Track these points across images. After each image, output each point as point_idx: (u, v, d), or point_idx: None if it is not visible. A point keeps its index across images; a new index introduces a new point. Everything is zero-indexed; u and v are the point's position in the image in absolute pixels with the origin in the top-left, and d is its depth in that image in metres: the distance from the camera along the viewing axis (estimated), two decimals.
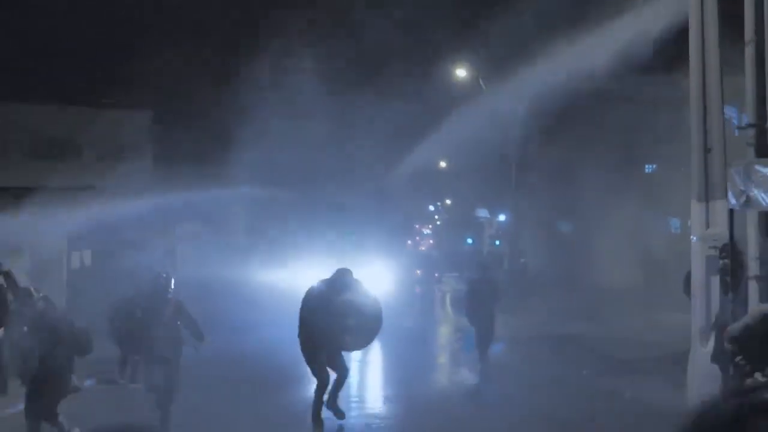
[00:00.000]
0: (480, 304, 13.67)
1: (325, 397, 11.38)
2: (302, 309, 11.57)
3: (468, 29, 27.37)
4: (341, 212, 28.82)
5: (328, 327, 11.23)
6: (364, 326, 11.43)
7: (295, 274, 23.81)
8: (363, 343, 12.04)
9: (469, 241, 49.41)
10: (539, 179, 29.95)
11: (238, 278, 24.31)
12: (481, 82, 27.80)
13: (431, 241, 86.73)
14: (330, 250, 25.06)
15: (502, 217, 44.88)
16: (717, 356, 9.23)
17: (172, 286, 10.78)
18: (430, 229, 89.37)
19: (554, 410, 10.91)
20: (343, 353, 11.78)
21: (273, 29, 33.44)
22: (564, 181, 27.73)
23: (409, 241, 68.28)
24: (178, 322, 10.66)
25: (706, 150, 9.04)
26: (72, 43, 27.73)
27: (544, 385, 12.70)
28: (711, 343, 9.45)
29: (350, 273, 11.84)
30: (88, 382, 12.20)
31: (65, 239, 21.55)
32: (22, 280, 12.67)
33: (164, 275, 11.02)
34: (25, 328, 9.56)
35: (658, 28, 13.05)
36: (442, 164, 46.19)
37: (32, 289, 10.23)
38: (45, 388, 9.19)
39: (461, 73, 28.56)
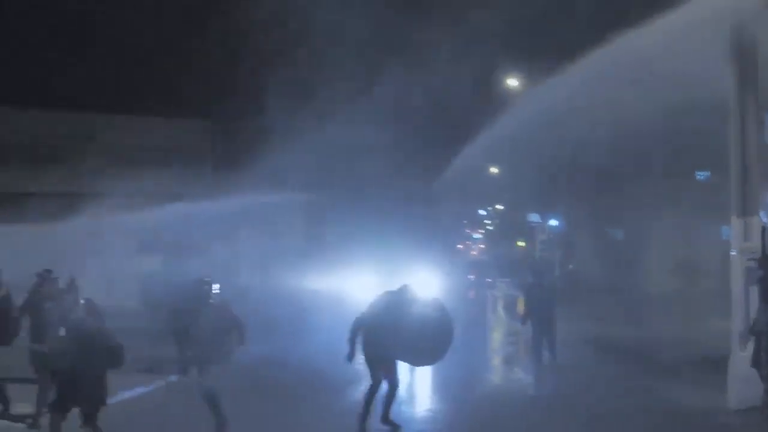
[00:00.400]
0: (537, 308, 14.31)
1: (379, 408, 11.39)
2: (367, 315, 11.59)
3: (521, 34, 27.93)
4: (392, 218, 29.32)
5: (390, 339, 11.26)
6: (428, 344, 11.40)
7: (347, 280, 24.99)
8: (427, 360, 11.90)
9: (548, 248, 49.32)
10: (591, 185, 30.50)
11: (294, 283, 25.27)
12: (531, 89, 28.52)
13: (482, 246, 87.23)
14: (380, 256, 25.58)
15: (553, 222, 45.44)
16: (756, 360, 10.02)
17: (215, 292, 11.25)
18: (480, 233, 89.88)
19: (601, 408, 11.66)
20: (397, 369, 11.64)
21: (323, 34, 34.43)
22: (615, 188, 28.26)
23: (460, 246, 68.95)
24: (223, 327, 10.79)
25: (744, 168, 9.84)
26: (138, 52, 29.03)
27: (593, 384, 13.41)
28: (749, 348, 10.23)
29: (413, 289, 11.82)
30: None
31: (135, 244, 22.91)
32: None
33: (206, 280, 11.26)
34: (63, 332, 9.98)
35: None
36: (493, 170, 46.77)
37: (81, 298, 10.65)
38: (75, 393, 9.40)
39: (513, 82, 29.35)
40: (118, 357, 9.46)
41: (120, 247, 21.99)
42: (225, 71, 29.78)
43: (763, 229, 9.36)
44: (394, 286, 11.84)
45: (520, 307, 27.34)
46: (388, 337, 11.25)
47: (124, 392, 12.49)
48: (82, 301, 10.20)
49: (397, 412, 11.44)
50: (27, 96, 26.48)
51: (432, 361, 11.83)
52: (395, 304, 11.54)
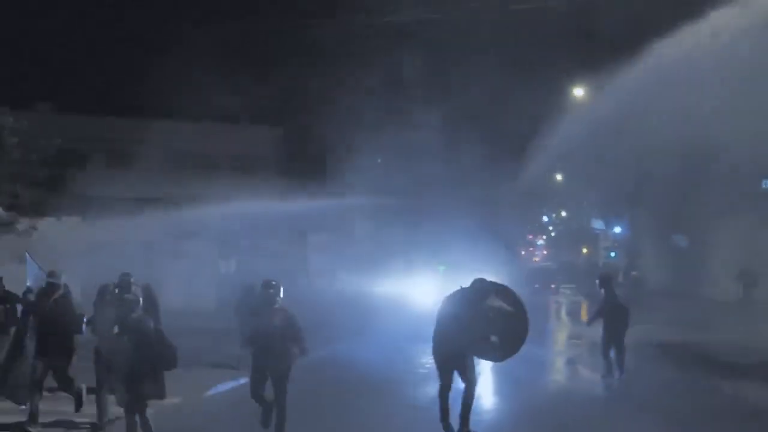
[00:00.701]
0: (610, 315, 14.79)
1: (457, 410, 11.17)
2: (438, 314, 11.42)
3: (583, 42, 28.36)
4: (455, 224, 29.44)
5: (464, 334, 11.07)
6: (506, 335, 11.23)
7: (410, 284, 25.44)
8: (507, 352, 11.50)
9: (612, 254, 49.40)
10: (656, 192, 30.75)
11: (360, 287, 26.06)
12: (594, 96, 28.97)
13: (545, 252, 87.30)
14: (443, 260, 26.15)
15: (617, 229, 45.64)
16: None
17: (281, 296, 11.10)
18: (543, 239, 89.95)
19: (667, 406, 12.22)
20: (474, 366, 11.52)
21: (383, 47, 35.37)
22: (680, 195, 28.50)
23: (523, 252, 69.10)
24: (286, 332, 10.98)
25: None
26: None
27: (656, 385, 14.00)
28: None
29: (487, 281, 11.57)
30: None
31: (216, 247, 24.03)
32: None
33: (273, 283, 11.35)
34: (116, 329, 10.28)
35: None
36: (558, 177, 47.08)
37: (140, 298, 10.80)
38: (131, 387, 9.85)
39: (578, 92, 29.82)
40: (171, 359, 9.89)
41: (202, 250, 23.11)
42: (297, 80, 30.84)
43: None
44: (461, 285, 11.50)
45: (583, 314, 27.93)
46: (461, 333, 11.07)
47: (198, 389, 13.17)
48: (140, 299, 10.54)
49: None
50: (103, 103, 27.70)
51: (509, 353, 11.40)
52: (467, 299, 11.31)
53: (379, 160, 41.77)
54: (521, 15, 29.73)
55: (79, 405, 12.08)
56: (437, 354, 11.36)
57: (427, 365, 14.08)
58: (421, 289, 24.75)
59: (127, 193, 25.54)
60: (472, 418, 11.18)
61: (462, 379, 11.26)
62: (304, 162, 30.48)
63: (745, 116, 26.04)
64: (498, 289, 11.68)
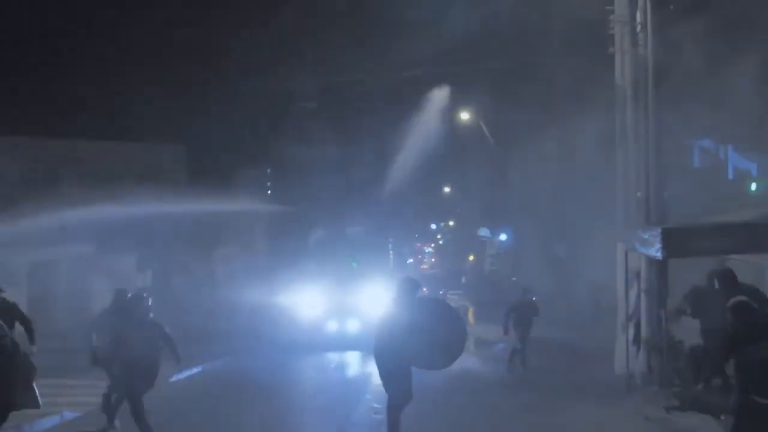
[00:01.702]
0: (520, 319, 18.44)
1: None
2: (377, 325, 11.39)
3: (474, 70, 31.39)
4: (343, 233, 29.95)
5: (396, 343, 10.84)
6: (441, 341, 11.06)
7: (298, 293, 25.98)
8: (442, 361, 11.31)
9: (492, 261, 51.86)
10: (540, 202, 33.85)
11: (260, 299, 27.06)
12: (482, 125, 32.13)
13: (433, 260, 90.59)
14: (332, 270, 26.55)
15: (503, 237, 48.96)
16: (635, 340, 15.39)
17: (148, 307, 11.54)
18: (432, 247, 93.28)
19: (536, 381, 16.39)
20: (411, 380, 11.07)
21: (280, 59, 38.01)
22: (562, 205, 31.55)
23: (411, 260, 71.95)
24: (159, 343, 11.49)
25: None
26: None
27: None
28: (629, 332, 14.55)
29: (415, 282, 11.55)
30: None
31: (133, 260, 26.06)
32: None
33: (144, 295, 11.98)
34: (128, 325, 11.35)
35: None
36: (446, 189, 50.33)
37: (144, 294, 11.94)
38: (135, 380, 11.11)
39: (465, 115, 32.94)
40: (177, 350, 11.41)
41: (124, 265, 25.19)
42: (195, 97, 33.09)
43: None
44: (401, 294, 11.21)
45: (471, 318, 30.84)
46: (390, 338, 10.90)
47: None
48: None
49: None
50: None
51: (450, 361, 11.28)
52: (402, 292, 11.16)
53: (268, 170, 44.38)
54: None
55: None
56: (382, 368, 11.03)
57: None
58: (307, 299, 25.97)
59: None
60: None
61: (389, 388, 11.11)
62: (207, 178, 32.68)
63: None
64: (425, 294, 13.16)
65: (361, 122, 39.96)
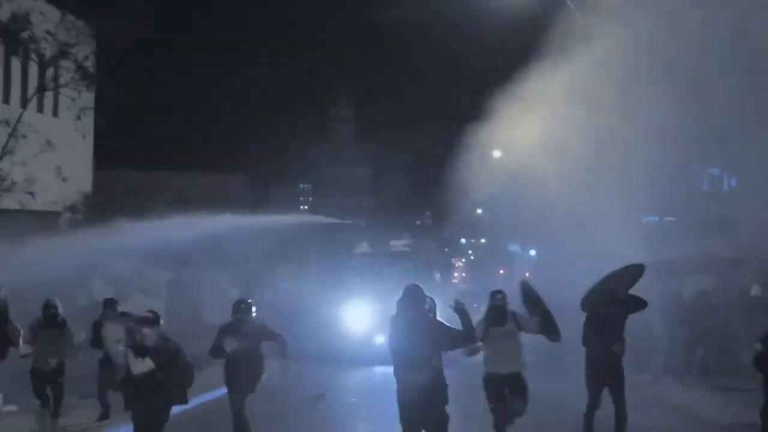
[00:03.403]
0: None
1: None
2: (390, 333, 11.47)
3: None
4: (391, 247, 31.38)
5: (413, 349, 10.90)
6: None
7: (349, 308, 27.69)
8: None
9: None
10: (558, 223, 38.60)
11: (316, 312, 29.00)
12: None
13: (464, 274, 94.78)
14: (381, 283, 27.40)
15: (532, 252, 54.00)
16: None
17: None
18: (462, 262, 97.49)
19: None
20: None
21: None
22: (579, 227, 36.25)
23: (438, 274, 75.99)
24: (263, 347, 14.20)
25: None
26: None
27: None
28: None
29: (420, 289, 11.41)
30: None
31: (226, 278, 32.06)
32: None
33: (248, 302, 14.61)
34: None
35: None
36: (479, 211, 55.18)
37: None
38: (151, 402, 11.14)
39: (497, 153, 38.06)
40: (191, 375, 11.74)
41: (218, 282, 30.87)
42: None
43: None
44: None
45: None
46: (405, 346, 11.06)
47: None
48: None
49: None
50: None
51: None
52: (410, 301, 11.22)
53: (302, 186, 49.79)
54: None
55: None
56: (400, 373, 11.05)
57: None
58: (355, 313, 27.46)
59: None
60: None
61: None
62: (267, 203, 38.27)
63: None
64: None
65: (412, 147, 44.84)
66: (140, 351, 11.07)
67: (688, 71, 23.39)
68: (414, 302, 11.20)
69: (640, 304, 15.21)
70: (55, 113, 26.98)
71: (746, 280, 27.07)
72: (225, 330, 14.24)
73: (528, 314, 14.45)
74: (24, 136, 24.09)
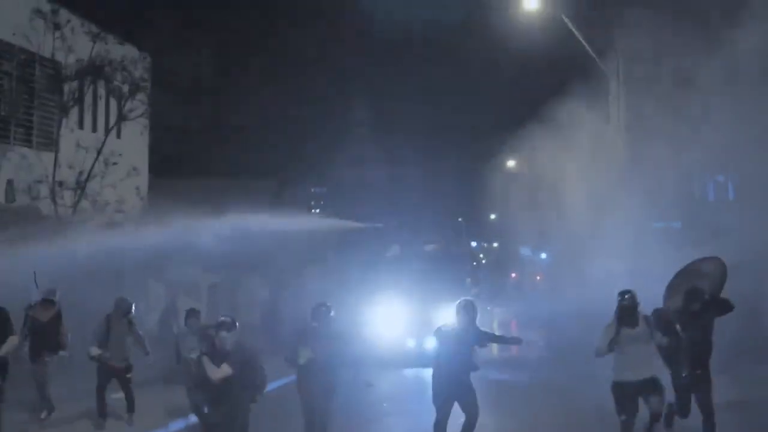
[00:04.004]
0: None
1: None
2: (438, 342, 13.33)
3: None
4: (420, 250, 31.47)
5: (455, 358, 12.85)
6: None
7: (380, 312, 27.46)
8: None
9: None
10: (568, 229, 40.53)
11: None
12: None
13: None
14: (410, 287, 27.66)
15: (543, 255, 56.00)
16: None
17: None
18: (473, 265, 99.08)
19: None
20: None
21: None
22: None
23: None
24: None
25: None
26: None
27: None
28: None
29: (472, 303, 13.32)
30: None
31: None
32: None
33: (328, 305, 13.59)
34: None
35: None
36: (492, 216, 57.32)
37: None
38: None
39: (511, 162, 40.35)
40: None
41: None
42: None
43: None
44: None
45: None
46: (465, 345, 13.13)
47: None
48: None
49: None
50: None
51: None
52: (466, 315, 13.11)
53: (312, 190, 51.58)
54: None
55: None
56: (439, 380, 13.07)
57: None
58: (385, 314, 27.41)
59: None
60: None
61: (463, 409, 13.01)
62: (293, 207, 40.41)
63: None
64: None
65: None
66: (218, 357, 11.24)
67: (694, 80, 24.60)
68: (468, 314, 13.05)
69: (725, 307, 13.92)
70: (118, 135, 29.25)
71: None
72: (301, 337, 13.46)
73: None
74: (115, 163, 26.47)
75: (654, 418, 13.05)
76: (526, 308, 44.98)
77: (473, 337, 13.01)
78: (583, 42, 27.14)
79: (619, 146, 29.76)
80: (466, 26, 35.94)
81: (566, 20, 26.51)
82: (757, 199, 26.27)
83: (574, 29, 27.11)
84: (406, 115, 43.96)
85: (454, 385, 12.82)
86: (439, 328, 13.25)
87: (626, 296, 13.09)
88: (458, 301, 13.38)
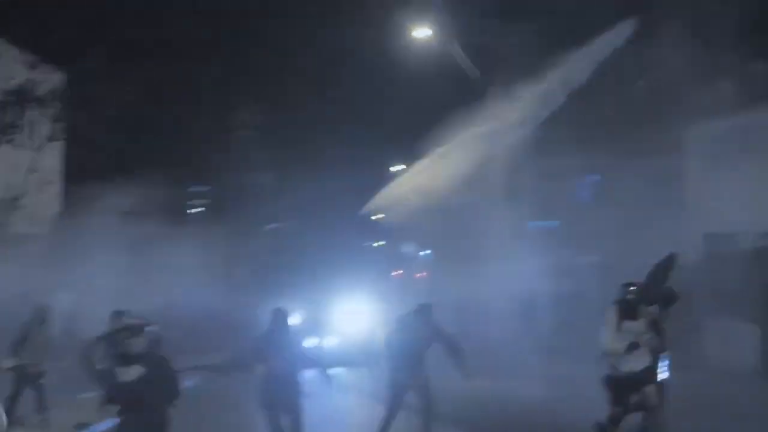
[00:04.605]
0: None
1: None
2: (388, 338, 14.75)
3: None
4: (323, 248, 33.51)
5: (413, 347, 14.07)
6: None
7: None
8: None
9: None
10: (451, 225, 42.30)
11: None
12: None
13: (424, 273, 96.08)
14: (312, 285, 28.93)
15: (427, 252, 57.43)
16: None
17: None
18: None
19: None
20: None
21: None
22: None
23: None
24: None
25: None
26: None
27: None
28: None
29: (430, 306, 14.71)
30: None
31: None
32: None
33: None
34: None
35: None
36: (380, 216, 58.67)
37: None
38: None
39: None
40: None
41: None
42: None
43: None
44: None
45: None
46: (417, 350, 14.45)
47: None
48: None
49: None
50: None
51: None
52: (419, 320, 14.60)
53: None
54: None
55: None
56: (395, 376, 14.42)
57: None
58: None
59: None
60: None
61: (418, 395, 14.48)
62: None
63: None
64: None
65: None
66: (128, 360, 10.93)
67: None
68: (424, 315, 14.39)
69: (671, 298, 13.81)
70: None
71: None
72: (259, 345, 13.51)
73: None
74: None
75: (646, 409, 12.98)
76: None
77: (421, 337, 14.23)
78: (463, 64, 29.39)
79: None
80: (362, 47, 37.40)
81: (451, 45, 28.75)
82: (621, 201, 28.17)
83: (456, 53, 29.37)
84: (301, 122, 45.18)
85: (406, 378, 14.11)
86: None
87: (631, 289, 13.09)
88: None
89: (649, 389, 12.94)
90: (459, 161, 31.65)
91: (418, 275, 60.88)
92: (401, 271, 66.13)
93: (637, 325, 12.95)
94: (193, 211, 55.29)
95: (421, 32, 30.99)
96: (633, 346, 12.72)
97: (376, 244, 78.67)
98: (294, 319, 26.26)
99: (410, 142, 35.04)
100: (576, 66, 24.17)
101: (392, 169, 42.71)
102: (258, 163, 47.15)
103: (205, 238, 36.22)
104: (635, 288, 13.07)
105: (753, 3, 23.03)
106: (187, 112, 42.35)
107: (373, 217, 58.77)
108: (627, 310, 12.93)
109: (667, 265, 13.89)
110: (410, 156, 36.34)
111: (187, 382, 14.32)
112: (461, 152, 30.62)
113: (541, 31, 27.54)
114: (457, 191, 33.79)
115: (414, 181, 36.01)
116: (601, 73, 24.79)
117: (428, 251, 55.15)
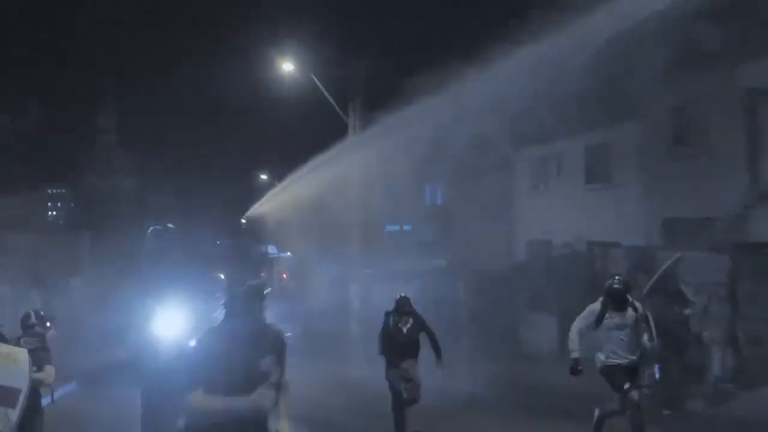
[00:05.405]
0: None
1: None
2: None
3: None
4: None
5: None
6: None
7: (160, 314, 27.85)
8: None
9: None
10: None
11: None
12: None
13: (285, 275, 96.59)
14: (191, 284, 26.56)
15: (289, 253, 60.18)
16: None
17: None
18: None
19: None
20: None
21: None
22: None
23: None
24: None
25: None
26: None
27: None
28: None
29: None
30: None
31: None
32: None
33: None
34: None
35: None
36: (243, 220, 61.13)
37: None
38: None
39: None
40: None
41: None
42: None
43: None
44: None
45: None
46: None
47: None
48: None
49: None
50: None
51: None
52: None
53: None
54: None
55: None
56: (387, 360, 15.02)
57: None
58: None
59: None
60: None
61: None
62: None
63: None
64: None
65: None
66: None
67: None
68: None
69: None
70: None
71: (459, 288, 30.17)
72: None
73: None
74: None
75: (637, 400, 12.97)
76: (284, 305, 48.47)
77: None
78: (326, 94, 33.41)
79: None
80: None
81: (314, 78, 32.75)
82: (462, 208, 31.51)
83: (320, 85, 33.41)
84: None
85: None
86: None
87: (616, 279, 13.11)
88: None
89: (639, 379, 13.37)
90: (321, 173, 34.96)
91: (283, 275, 63.61)
92: (263, 273, 68.85)
93: (623, 317, 13.01)
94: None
95: (286, 66, 34.72)
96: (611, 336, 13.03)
97: (242, 245, 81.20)
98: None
99: (278, 157, 37.95)
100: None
101: (263, 177, 45.63)
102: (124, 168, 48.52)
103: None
104: (620, 279, 13.20)
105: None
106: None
107: (243, 221, 61.60)
108: (614, 301, 12.96)
109: (674, 265, 15.57)
110: (278, 170, 38.99)
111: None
112: (324, 166, 34.01)
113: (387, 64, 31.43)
114: (318, 199, 36.86)
115: (281, 191, 39.34)
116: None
117: (288, 253, 57.71)
